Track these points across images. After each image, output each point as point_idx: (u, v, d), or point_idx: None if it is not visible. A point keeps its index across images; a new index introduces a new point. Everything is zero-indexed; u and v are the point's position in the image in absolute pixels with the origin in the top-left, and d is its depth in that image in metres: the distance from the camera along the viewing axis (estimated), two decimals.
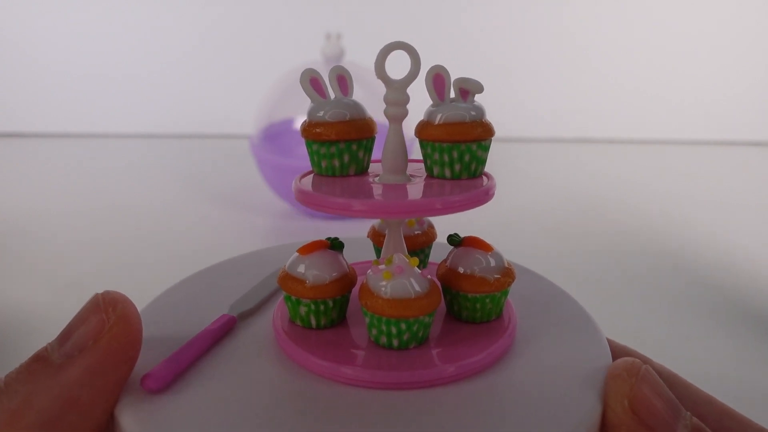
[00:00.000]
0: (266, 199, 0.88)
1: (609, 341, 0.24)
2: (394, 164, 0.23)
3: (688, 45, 1.27)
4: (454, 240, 0.25)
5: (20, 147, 1.25)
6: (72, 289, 0.63)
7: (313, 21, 1.21)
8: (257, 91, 0.92)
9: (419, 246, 0.27)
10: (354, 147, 0.23)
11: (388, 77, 0.22)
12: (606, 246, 0.76)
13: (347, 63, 0.86)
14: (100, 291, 0.20)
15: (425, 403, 0.20)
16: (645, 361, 0.23)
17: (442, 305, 0.25)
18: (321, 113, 0.23)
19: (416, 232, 0.27)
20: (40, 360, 0.19)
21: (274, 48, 1.25)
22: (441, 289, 0.24)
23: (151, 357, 0.21)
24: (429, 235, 0.28)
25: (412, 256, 0.26)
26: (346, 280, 0.23)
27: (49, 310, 0.59)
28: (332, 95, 0.24)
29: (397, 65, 0.23)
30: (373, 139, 0.24)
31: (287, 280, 0.23)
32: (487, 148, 0.23)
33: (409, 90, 0.23)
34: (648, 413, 0.19)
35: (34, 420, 0.18)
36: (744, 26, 1.25)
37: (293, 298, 0.23)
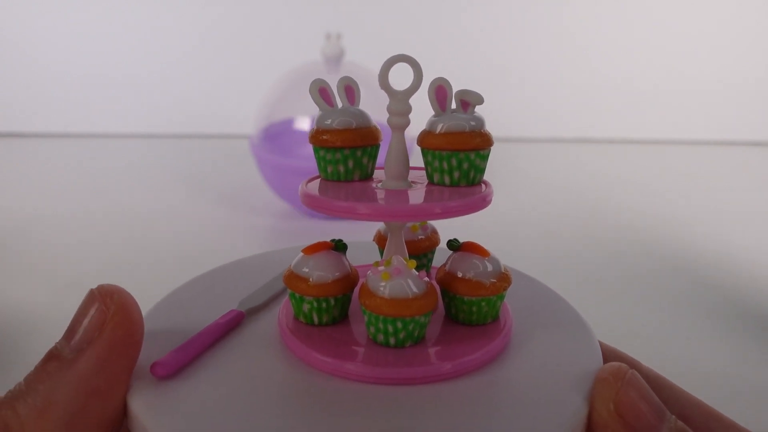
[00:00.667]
0: (266, 200, 0.88)
1: (600, 343, 0.25)
2: (396, 171, 0.25)
3: (688, 45, 1.27)
4: (453, 245, 0.26)
5: (20, 147, 1.25)
6: (72, 289, 0.63)
7: (313, 21, 1.21)
8: (257, 91, 0.92)
9: (423, 251, 0.28)
10: (358, 153, 0.25)
11: (392, 88, 0.24)
12: (606, 246, 0.76)
13: (347, 63, 0.86)
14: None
15: (421, 399, 0.21)
16: (633, 364, 0.24)
17: (442, 309, 0.26)
18: (329, 121, 0.24)
19: (420, 237, 0.28)
20: (53, 358, 0.20)
21: (274, 48, 1.25)
22: (440, 291, 0.25)
23: (161, 348, 0.23)
24: (432, 240, 0.29)
25: (415, 260, 0.27)
26: (348, 280, 0.24)
27: (49, 310, 0.59)
28: (340, 104, 0.25)
29: (400, 74, 0.24)
30: (377, 146, 0.25)
31: (292, 278, 0.24)
32: (485, 158, 0.24)
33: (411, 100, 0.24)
34: (633, 416, 0.20)
35: (60, 414, 0.19)
36: (744, 26, 1.25)
37: (297, 295, 0.24)
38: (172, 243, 0.76)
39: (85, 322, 0.20)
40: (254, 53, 1.27)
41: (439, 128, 0.23)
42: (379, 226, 0.29)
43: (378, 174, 0.26)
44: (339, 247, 0.25)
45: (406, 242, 0.27)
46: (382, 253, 0.29)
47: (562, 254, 0.74)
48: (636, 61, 1.28)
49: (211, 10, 1.26)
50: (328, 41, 0.84)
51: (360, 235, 0.72)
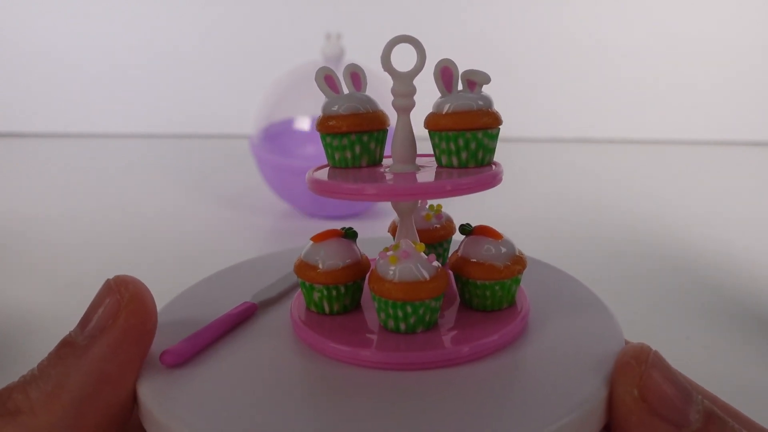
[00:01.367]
0: (266, 200, 0.88)
1: None
2: (403, 154, 0.24)
3: (688, 45, 1.27)
4: (465, 229, 0.25)
5: (20, 147, 1.25)
6: (72, 289, 0.63)
7: (313, 21, 1.21)
8: (257, 91, 0.92)
9: (438, 239, 0.28)
10: (365, 138, 0.24)
11: (395, 69, 0.23)
12: (605, 246, 0.76)
13: (347, 63, 0.86)
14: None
15: (436, 384, 0.20)
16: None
17: (456, 295, 0.25)
18: (335, 107, 0.24)
19: (435, 226, 0.28)
20: (67, 345, 0.20)
21: (274, 48, 1.25)
22: (453, 278, 0.25)
23: (173, 340, 0.23)
24: (447, 228, 0.28)
25: (431, 249, 0.26)
26: (359, 267, 0.24)
27: (49, 310, 0.59)
28: (346, 91, 0.25)
29: (402, 60, 0.24)
30: (385, 131, 0.25)
31: (302, 267, 0.24)
32: (494, 137, 0.24)
33: (416, 84, 0.24)
34: (659, 401, 0.18)
35: (70, 399, 0.19)
36: (744, 26, 1.25)
37: (307, 284, 0.24)
38: (172, 243, 0.76)
39: (100, 310, 0.21)
40: (254, 53, 1.27)
41: (446, 108, 0.23)
42: (393, 216, 0.28)
43: (386, 162, 0.26)
44: (349, 234, 0.25)
45: (421, 231, 0.27)
46: None
47: (562, 254, 0.74)
48: (636, 62, 1.28)
49: (211, 10, 1.26)
50: (328, 41, 0.84)
51: (367, 232, 0.72)
